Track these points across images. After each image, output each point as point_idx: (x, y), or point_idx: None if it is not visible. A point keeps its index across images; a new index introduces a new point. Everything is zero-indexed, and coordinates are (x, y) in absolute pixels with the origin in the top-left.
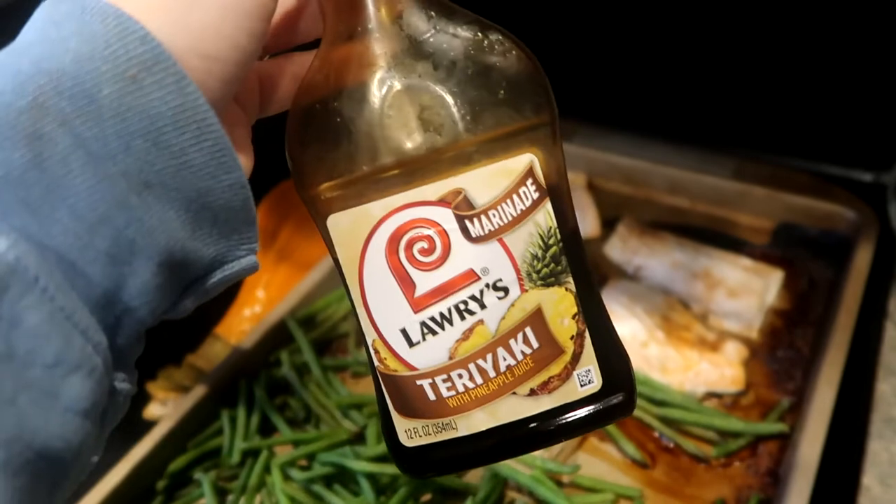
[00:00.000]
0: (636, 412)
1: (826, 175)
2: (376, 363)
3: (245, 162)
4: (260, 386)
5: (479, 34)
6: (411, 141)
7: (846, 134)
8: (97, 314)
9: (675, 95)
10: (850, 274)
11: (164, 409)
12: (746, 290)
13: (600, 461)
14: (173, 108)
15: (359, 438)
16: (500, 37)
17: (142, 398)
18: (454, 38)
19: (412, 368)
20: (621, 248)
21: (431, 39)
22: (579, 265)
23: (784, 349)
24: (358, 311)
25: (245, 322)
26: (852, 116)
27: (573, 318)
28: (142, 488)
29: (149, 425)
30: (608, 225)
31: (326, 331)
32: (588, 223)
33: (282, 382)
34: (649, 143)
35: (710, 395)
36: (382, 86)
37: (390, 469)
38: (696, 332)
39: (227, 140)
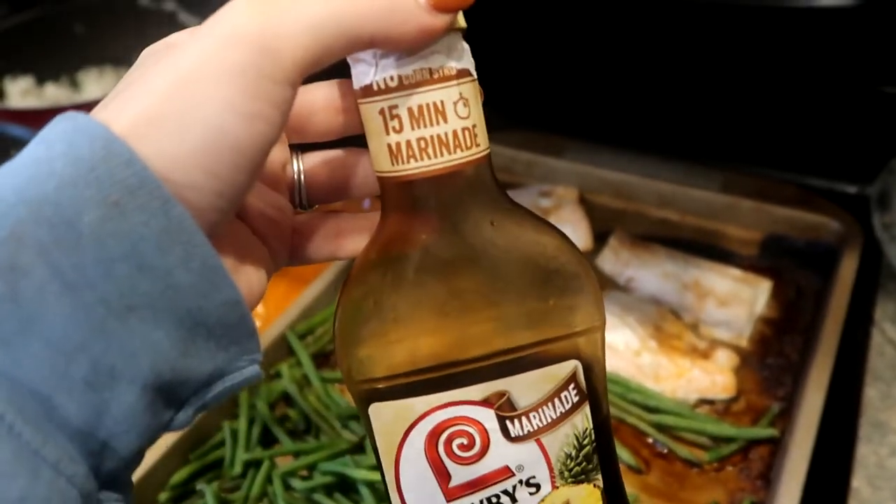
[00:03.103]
0: (630, 419)
1: (811, 187)
2: None
3: (252, 297)
4: (261, 398)
5: (537, 241)
6: (462, 346)
7: (830, 147)
8: (77, 443)
9: (664, 111)
10: (837, 283)
11: None
12: (736, 300)
13: None
14: (157, 231)
15: (358, 448)
16: (557, 244)
17: None
18: (511, 244)
19: None
20: (613, 261)
21: (490, 245)
22: (608, 458)
23: (774, 356)
24: (391, 492)
25: None
26: (836, 130)
27: None
28: (145, 501)
29: None
30: (600, 238)
31: (325, 343)
32: (580, 237)
33: (281, 395)
34: (639, 157)
35: (702, 401)
36: (438, 291)
37: None
38: (687, 341)
39: (216, 259)
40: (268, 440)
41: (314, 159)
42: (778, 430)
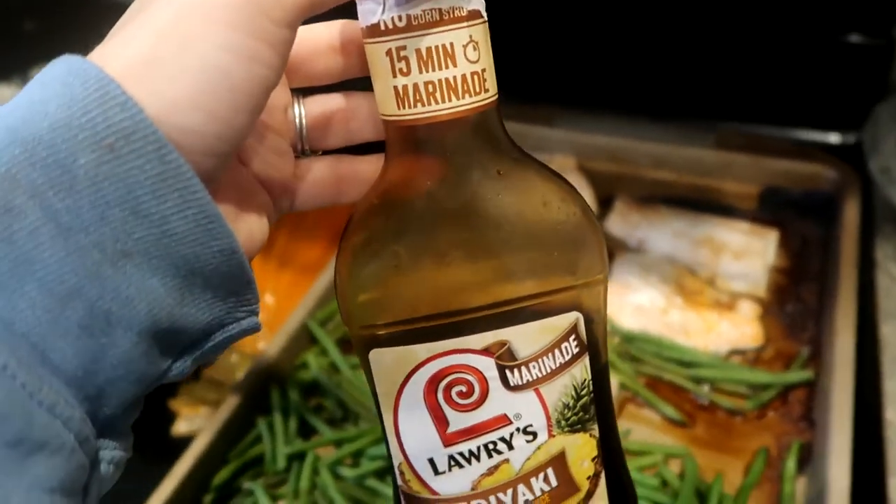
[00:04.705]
0: (668, 375)
1: (793, 139)
2: (400, 483)
3: (252, 245)
4: (292, 390)
5: (544, 192)
6: (464, 295)
7: (810, 98)
8: (73, 388)
9: (651, 72)
10: (843, 228)
11: (193, 424)
12: (749, 252)
13: (642, 426)
14: (152, 177)
15: None
16: (564, 195)
17: (167, 417)
18: (517, 194)
19: (434, 493)
20: (622, 224)
21: (495, 194)
22: (604, 408)
23: (792, 303)
24: (388, 434)
25: None
26: (814, 81)
27: (592, 460)
28: None
29: (179, 443)
30: (603, 204)
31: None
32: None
33: (311, 385)
34: (630, 120)
35: (734, 352)
36: (441, 238)
37: None
38: (709, 296)
39: (213, 207)
40: (305, 432)
41: (315, 104)
42: (811, 372)
